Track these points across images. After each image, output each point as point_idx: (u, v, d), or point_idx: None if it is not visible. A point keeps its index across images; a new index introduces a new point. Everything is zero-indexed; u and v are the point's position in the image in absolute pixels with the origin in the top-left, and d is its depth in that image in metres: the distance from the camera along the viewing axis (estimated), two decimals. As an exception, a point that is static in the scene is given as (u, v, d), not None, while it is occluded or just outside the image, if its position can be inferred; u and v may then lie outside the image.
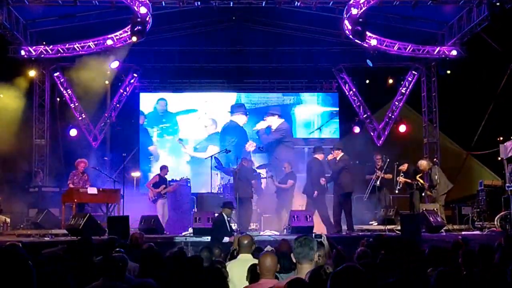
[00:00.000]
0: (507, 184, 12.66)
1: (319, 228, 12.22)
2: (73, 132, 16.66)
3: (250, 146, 16.82)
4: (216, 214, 12.07)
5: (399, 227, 11.74)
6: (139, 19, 13.76)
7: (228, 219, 10.79)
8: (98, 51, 15.44)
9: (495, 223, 12.49)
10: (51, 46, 15.47)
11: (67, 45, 15.42)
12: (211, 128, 18.18)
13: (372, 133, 18.22)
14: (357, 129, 17.86)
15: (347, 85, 18.29)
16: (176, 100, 18.42)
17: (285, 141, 17.85)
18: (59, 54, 15.68)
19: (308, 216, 11.83)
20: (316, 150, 13.13)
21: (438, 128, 17.82)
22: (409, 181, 13.81)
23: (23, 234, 12.38)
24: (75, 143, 16.27)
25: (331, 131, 18.23)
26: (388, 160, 14.22)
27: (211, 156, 15.01)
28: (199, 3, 14.02)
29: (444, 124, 17.77)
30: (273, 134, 17.96)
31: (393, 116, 18.17)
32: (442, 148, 17.73)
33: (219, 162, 15.30)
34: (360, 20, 13.82)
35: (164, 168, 14.43)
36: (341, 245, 7.41)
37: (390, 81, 17.98)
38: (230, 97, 18.49)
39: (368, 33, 14.52)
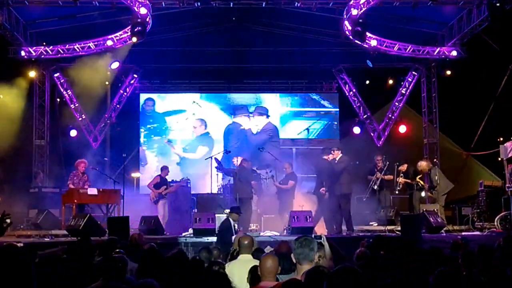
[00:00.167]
0: (507, 185, 12.68)
1: (319, 229, 12.22)
2: (73, 133, 16.66)
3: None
4: (218, 215, 12.15)
5: (399, 228, 11.74)
6: (139, 20, 13.78)
7: (235, 223, 10.79)
8: (98, 51, 15.45)
9: (495, 223, 12.50)
10: (51, 47, 15.48)
11: (67, 45, 15.44)
12: (200, 129, 18.16)
13: (372, 134, 18.22)
14: (357, 130, 17.85)
15: (347, 85, 18.30)
16: (164, 100, 18.42)
17: (272, 141, 17.87)
18: (59, 55, 15.69)
19: (308, 216, 11.83)
20: (325, 151, 13.13)
21: (438, 129, 17.81)
22: (409, 181, 13.80)
23: (23, 234, 12.38)
24: (75, 144, 16.26)
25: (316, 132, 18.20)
26: (387, 162, 14.22)
27: (211, 157, 15.02)
28: (199, 3, 14.01)
29: (444, 125, 17.77)
30: (261, 135, 17.98)
31: (393, 117, 18.17)
32: (442, 148, 17.72)
33: (219, 163, 15.30)
34: (360, 20, 13.83)
35: (165, 169, 14.42)
36: (341, 246, 7.40)
37: (390, 81, 17.99)
38: (220, 98, 18.54)
39: (368, 34, 14.53)
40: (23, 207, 14.27)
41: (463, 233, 11.99)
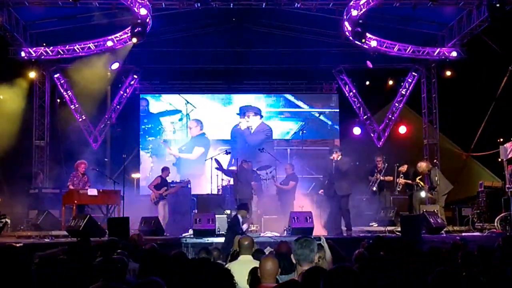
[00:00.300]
0: (507, 186, 12.67)
1: (317, 229, 12.21)
2: (73, 134, 16.66)
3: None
4: (218, 216, 12.15)
5: (399, 229, 11.74)
6: (139, 21, 13.78)
7: (242, 220, 10.83)
8: (98, 52, 15.44)
9: (495, 224, 12.50)
10: (51, 48, 15.49)
11: (67, 46, 15.45)
12: (195, 129, 18.15)
13: (372, 134, 18.22)
14: (357, 130, 17.86)
15: (347, 86, 18.30)
16: (158, 101, 18.40)
17: (267, 142, 17.89)
18: (59, 56, 15.70)
19: (308, 217, 11.81)
20: (332, 152, 13.16)
21: (438, 129, 17.82)
22: (409, 182, 13.79)
23: (23, 235, 12.37)
24: (75, 145, 16.26)
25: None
26: (386, 164, 14.23)
27: (211, 158, 15.02)
28: (199, 4, 14.02)
29: (444, 126, 17.78)
30: (258, 135, 17.98)
31: (393, 118, 18.18)
32: (442, 149, 17.73)
33: (219, 164, 15.30)
34: (360, 21, 13.85)
35: (165, 170, 14.40)
36: (341, 246, 7.40)
37: (390, 82, 18.03)
38: (219, 98, 18.53)
39: (368, 35, 14.53)
40: (23, 208, 14.27)
41: (463, 234, 11.97)
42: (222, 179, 15.20)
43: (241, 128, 18.16)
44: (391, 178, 14.19)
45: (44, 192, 14.96)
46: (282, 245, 6.94)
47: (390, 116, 18.25)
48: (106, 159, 17.47)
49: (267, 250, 7.51)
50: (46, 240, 11.34)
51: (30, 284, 4.15)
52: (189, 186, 14.99)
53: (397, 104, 18.20)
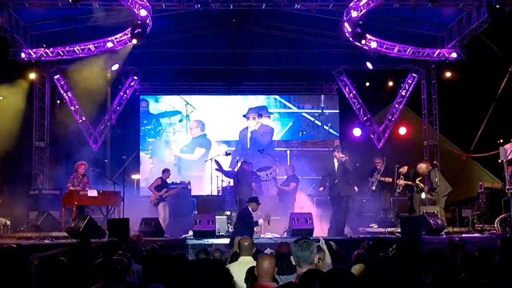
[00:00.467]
0: (507, 187, 12.66)
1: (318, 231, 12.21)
2: (73, 135, 16.67)
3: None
4: (218, 217, 12.16)
5: (399, 230, 11.73)
6: (139, 22, 13.79)
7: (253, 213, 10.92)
8: (99, 53, 15.45)
9: (495, 225, 12.49)
10: (51, 49, 15.50)
11: (67, 47, 15.45)
12: (196, 130, 18.14)
13: (372, 136, 18.23)
14: (357, 132, 17.87)
15: (347, 87, 18.31)
16: (158, 102, 18.40)
17: (270, 143, 17.94)
18: (59, 57, 15.70)
19: (308, 218, 11.82)
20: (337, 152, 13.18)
21: (438, 131, 17.83)
22: (409, 183, 13.79)
23: (23, 236, 12.36)
24: (75, 146, 16.27)
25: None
26: (385, 163, 14.24)
27: (211, 159, 15.02)
28: (199, 5, 14.03)
29: (444, 127, 17.78)
30: (266, 136, 17.97)
31: (393, 119, 18.19)
32: (442, 150, 17.73)
33: (219, 165, 15.31)
34: (360, 22, 13.85)
35: (166, 171, 14.39)
36: (341, 247, 7.40)
37: (390, 83, 18.05)
38: (219, 99, 18.54)
39: (368, 36, 14.53)
40: (23, 209, 14.27)
41: (463, 235, 11.98)
42: (222, 180, 15.20)
43: (247, 129, 18.11)
44: (390, 179, 14.19)
45: (44, 193, 14.96)
46: (282, 246, 6.95)
47: (390, 117, 18.25)
48: (106, 160, 17.48)
49: (267, 251, 7.51)
50: (46, 241, 11.32)
51: (30, 285, 4.15)
52: (189, 187, 14.99)
53: (397, 105, 18.21)
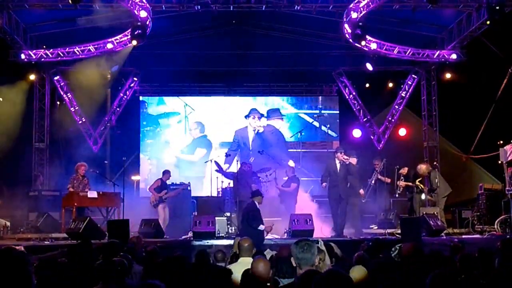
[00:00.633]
0: (507, 188, 12.65)
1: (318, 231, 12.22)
2: (73, 136, 16.67)
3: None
4: (218, 218, 12.15)
5: (399, 231, 11.73)
6: (139, 23, 13.79)
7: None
8: (99, 54, 15.45)
9: (495, 226, 12.49)
10: (51, 50, 15.48)
11: (67, 48, 15.43)
12: (195, 131, 18.11)
13: (372, 137, 18.23)
14: (357, 133, 17.88)
15: (347, 88, 18.32)
16: (157, 103, 18.37)
17: (279, 142, 17.88)
18: (59, 58, 15.68)
19: (308, 219, 11.83)
20: (351, 155, 13.21)
21: (438, 132, 17.83)
22: (410, 184, 13.79)
23: (23, 238, 12.37)
24: (75, 147, 16.27)
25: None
26: (384, 162, 14.26)
27: (210, 160, 15.01)
28: (199, 7, 14.03)
29: (444, 128, 17.79)
30: (274, 136, 17.96)
31: (393, 120, 18.19)
32: (442, 151, 17.74)
33: (219, 166, 15.32)
34: (360, 23, 13.85)
35: (166, 173, 14.38)
36: (341, 248, 7.40)
37: (390, 84, 18.05)
38: (219, 100, 18.53)
39: (368, 37, 14.54)
40: (23, 210, 14.27)
41: (463, 236, 11.99)
42: (222, 181, 15.21)
43: (246, 129, 18.04)
44: (389, 180, 14.20)
45: (44, 194, 14.97)
46: (283, 250, 6.94)
47: (390, 119, 18.26)
48: (106, 161, 17.47)
49: (268, 253, 7.51)
50: (46, 242, 11.34)
51: (29, 286, 4.15)
52: (189, 188, 14.99)
53: (397, 107, 18.21)
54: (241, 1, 14.16)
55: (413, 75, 17.87)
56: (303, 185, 14.77)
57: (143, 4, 13.61)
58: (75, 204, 12.70)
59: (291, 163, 15.00)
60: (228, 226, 12.98)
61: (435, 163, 16.09)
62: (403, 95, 18.10)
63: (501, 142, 13.72)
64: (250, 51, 17.18)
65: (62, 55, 15.53)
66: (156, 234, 11.99)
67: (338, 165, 12.42)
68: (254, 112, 17.83)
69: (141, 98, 18.36)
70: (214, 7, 14.14)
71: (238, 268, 5.97)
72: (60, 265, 5.33)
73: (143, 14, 13.64)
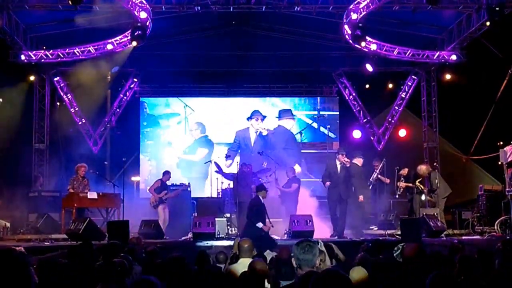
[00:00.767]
0: (507, 189, 12.65)
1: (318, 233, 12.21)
2: (73, 137, 16.68)
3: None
4: (218, 219, 12.14)
5: (399, 232, 11.73)
6: (139, 24, 13.79)
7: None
8: (98, 55, 15.44)
9: (495, 227, 12.48)
10: (51, 51, 15.47)
11: (67, 49, 15.42)
12: (196, 132, 18.09)
13: (372, 138, 18.23)
14: (357, 134, 17.88)
15: (347, 89, 18.32)
16: (156, 104, 18.39)
17: (291, 143, 17.87)
18: (59, 59, 15.66)
19: (308, 220, 11.83)
20: (356, 155, 13.20)
21: (438, 133, 17.83)
22: (410, 185, 13.79)
23: (23, 239, 12.36)
24: (75, 148, 16.26)
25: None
26: (384, 162, 14.28)
27: (210, 161, 15.00)
28: (199, 8, 14.03)
29: (444, 129, 17.78)
30: (282, 137, 17.97)
31: (393, 121, 18.19)
32: (442, 152, 17.73)
33: (218, 167, 15.32)
34: (360, 24, 13.86)
35: (166, 174, 14.39)
36: (342, 250, 7.40)
37: (390, 85, 18.06)
38: (219, 101, 18.53)
39: (368, 38, 14.54)
40: (23, 211, 14.24)
41: (463, 237, 11.98)
42: (222, 182, 15.21)
43: (248, 130, 18.01)
44: (388, 180, 14.20)
45: (43, 195, 14.95)
46: (283, 251, 6.94)
47: (390, 119, 18.26)
48: (106, 162, 17.47)
49: (268, 254, 7.51)
50: (46, 243, 11.33)
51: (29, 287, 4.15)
52: (189, 189, 14.99)
53: (397, 108, 18.21)
54: (241, 2, 14.16)
55: (413, 76, 17.87)
56: (303, 186, 14.77)
57: (143, 5, 13.61)
58: (75, 205, 12.70)
59: (297, 167, 14.99)
60: (228, 227, 12.98)
61: (435, 164, 16.09)
62: (403, 96, 18.11)
63: (501, 143, 13.72)
64: (250, 52, 17.18)
65: (62, 56, 15.52)
66: (156, 235, 11.99)
67: (338, 166, 12.44)
68: (256, 114, 17.72)
69: (141, 99, 18.36)
70: (214, 8, 14.15)
71: (238, 269, 5.97)
72: (60, 266, 5.33)
73: (143, 15, 13.65)
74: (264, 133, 17.51)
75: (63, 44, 15.56)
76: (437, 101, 17.69)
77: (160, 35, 16.00)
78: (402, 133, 17.84)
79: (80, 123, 17.51)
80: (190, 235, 12.34)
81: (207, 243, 10.90)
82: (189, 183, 15.20)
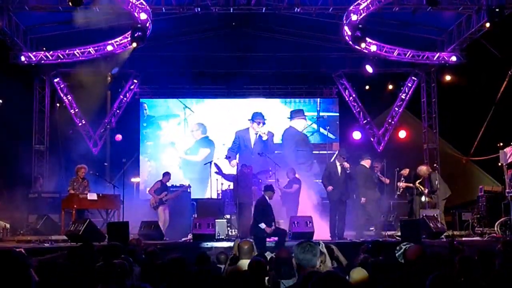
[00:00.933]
0: (507, 190, 12.65)
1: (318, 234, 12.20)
2: (73, 138, 16.67)
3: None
4: (218, 220, 12.14)
5: (399, 233, 11.72)
6: (139, 25, 13.80)
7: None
8: (98, 57, 15.45)
9: (495, 229, 12.48)
10: (51, 52, 15.48)
11: (67, 51, 15.43)
12: (197, 133, 18.06)
13: (372, 139, 18.23)
14: (357, 135, 17.88)
15: (347, 91, 18.32)
16: (156, 105, 18.38)
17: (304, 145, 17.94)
18: (59, 60, 15.67)
19: (308, 222, 11.82)
20: (364, 157, 13.21)
21: (438, 134, 17.83)
22: (410, 185, 13.77)
23: (23, 240, 12.36)
24: (75, 149, 16.26)
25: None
26: (384, 163, 14.28)
27: (210, 162, 14.99)
28: (199, 9, 14.04)
29: (444, 130, 17.79)
30: (289, 138, 17.95)
31: (393, 122, 18.19)
32: (442, 153, 17.73)
33: (218, 168, 15.31)
34: (360, 26, 13.87)
35: (166, 175, 14.36)
36: (342, 251, 7.39)
37: (390, 87, 18.05)
38: (219, 102, 18.53)
39: (368, 39, 14.55)
40: (23, 212, 14.24)
41: (463, 239, 11.98)
42: (222, 183, 15.20)
43: (248, 131, 17.95)
44: (388, 180, 14.18)
45: (43, 196, 14.95)
46: (282, 251, 6.94)
47: (390, 121, 18.26)
48: (105, 163, 17.46)
49: (268, 255, 7.51)
50: (45, 244, 11.31)
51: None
52: (189, 190, 14.98)
53: (396, 109, 18.21)
54: (241, 3, 14.16)
55: (413, 77, 17.88)
56: (302, 187, 14.76)
57: (143, 6, 13.62)
58: (75, 206, 12.69)
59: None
60: (228, 228, 12.97)
61: (435, 165, 16.07)
62: (403, 97, 18.11)
63: (501, 144, 13.73)
64: (250, 53, 17.19)
65: (62, 57, 15.53)
66: (156, 236, 11.98)
67: (339, 168, 12.45)
68: (258, 117, 17.60)
69: (141, 100, 18.35)
70: (214, 9, 14.15)
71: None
72: (60, 267, 5.32)
73: (143, 16, 13.66)
74: (264, 137, 17.33)
75: (63, 45, 15.57)
76: (437, 102, 17.69)
77: (160, 36, 16.00)
78: (402, 134, 17.84)
79: (80, 124, 17.51)
80: (190, 236, 12.33)
81: (207, 245, 10.89)
82: (189, 185, 15.19)
